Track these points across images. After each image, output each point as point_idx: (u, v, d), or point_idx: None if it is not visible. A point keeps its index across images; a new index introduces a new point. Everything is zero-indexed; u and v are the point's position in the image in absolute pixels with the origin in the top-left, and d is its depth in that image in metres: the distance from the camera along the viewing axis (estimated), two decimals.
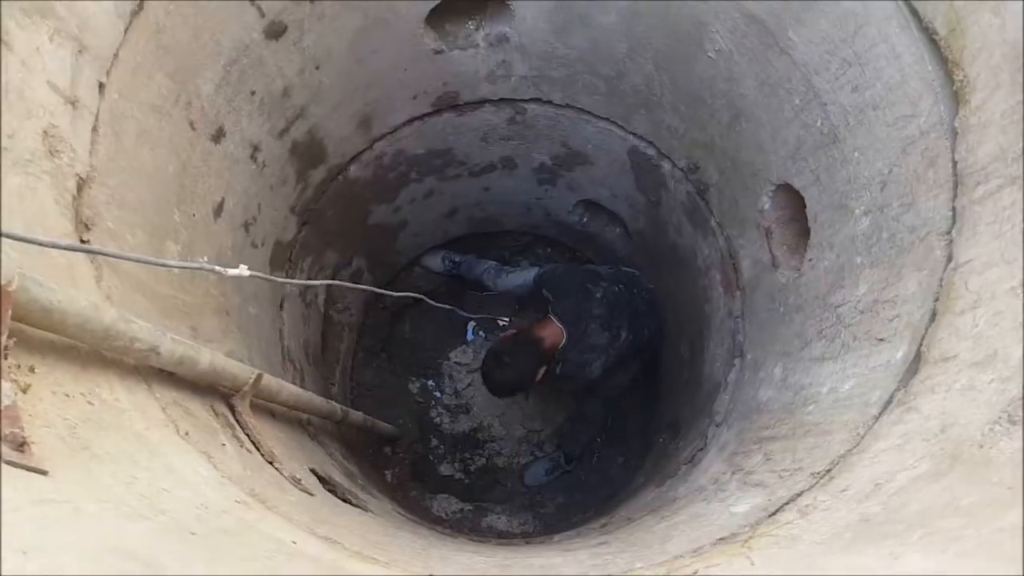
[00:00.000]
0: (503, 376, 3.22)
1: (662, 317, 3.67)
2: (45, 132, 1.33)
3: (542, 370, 3.21)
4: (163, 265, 1.39)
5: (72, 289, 1.15)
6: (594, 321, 3.23)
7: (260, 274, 1.65)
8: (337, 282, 2.40)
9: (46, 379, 1.05)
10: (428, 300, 3.07)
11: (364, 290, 2.54)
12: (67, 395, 1.07)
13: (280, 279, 1.95)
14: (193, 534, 0.93)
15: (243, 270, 1.53)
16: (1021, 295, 1.15)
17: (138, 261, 1.37)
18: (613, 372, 3.65)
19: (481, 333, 4.72)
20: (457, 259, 4.38)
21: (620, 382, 3.77)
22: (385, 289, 2.82)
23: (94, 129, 1.49)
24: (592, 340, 3.22)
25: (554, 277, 3.43)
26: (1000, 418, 1.00)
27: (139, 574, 0.70)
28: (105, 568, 0.68)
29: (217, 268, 1.50)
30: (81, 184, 1.44)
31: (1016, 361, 1.06)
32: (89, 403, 1.12)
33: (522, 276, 4.00)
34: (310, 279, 3.14)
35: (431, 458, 4.36)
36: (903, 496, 1.06)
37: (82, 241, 1.47)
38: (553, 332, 3.22)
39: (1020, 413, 0.96)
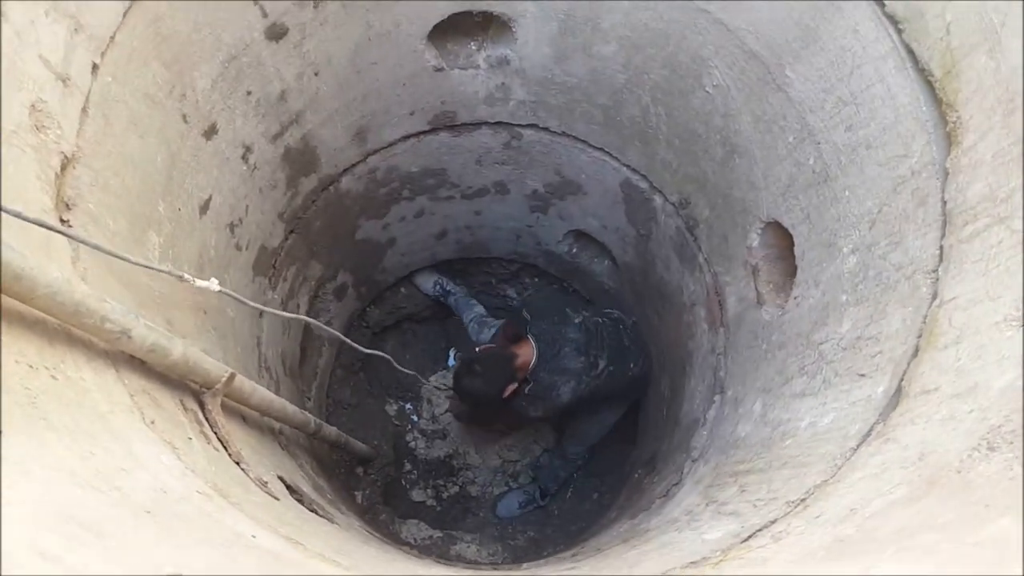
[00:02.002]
0: (471, 384, 3.25)
1: (650, 357, 3.66)
2: (33, 106, 1.31)
3: (511, 387, 3.22)
4: (123, 259, 1.34)
5: (45, 260, 1.12)
6: (568, 344, 3.23)
7: (230, 292, 1.62)
8: (306, 318, 2.35)
9: (10, 348, 1.02)
10: (393, 362, 3.00)
11: (333, 334, 2.44)
12: (31, 366, 1.04)
13: (250, 303, 1.80)
14: (148, 512, 0.89)
15: (213, 284, 1.51)
16: (1004, 329, 1.15)
17: (98, 249, 1.33)
18: (597, 409, 3.63)
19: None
20: (448, 287, 4.36)
21: (606, 420, 3.76)
22: (353, 341, 2.82)
23: (83, 110, 1.48)
24: (564, 363, 3.22)
25: (536, 299, 3.47)
26: (979, 445, 0.98)
27: (86, 538, 0.67)
28: (48, 530, 0.65)
29: (186, 276, 1.47)
30: (65, 163, 1.42)
31: (996, 392, 1.05)
32: (53, 377, 1.08)
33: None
34: (293, 288, 3.11)
35: (404, 482, 4.29)
36: (878, 519, 1.05)
37: (62, 221, 1.45)
38: (527, 351, 3.25)
39: (999, 440, 0.95)
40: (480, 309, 4.31)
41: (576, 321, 3.30)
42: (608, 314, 3.60)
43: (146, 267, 1.37)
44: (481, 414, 3.96)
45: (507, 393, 3.23)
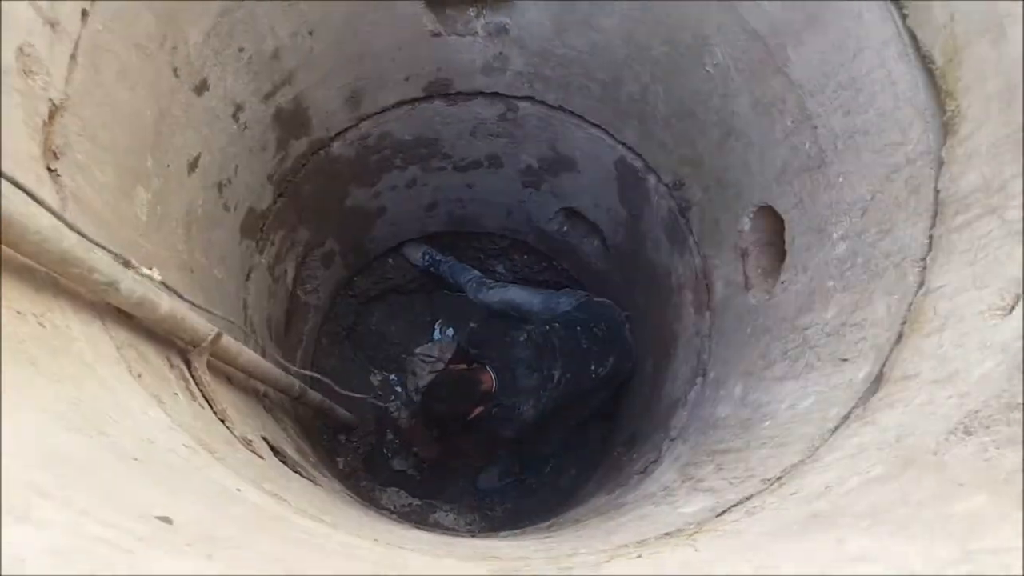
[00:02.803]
0: (436, 408, 3.36)
1: (630, 347, 3.66)
2: (20, 49, 1.29)
3: (478, 409, 3.28)
4: (78, 232, 1.27)
5: (35, 208, 1.11)
6: (520, 364, 3.27)
7: (176, 290, 1.56)
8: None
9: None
10: (336, 387, 2.94)
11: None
12: (18, 312, 1.03)
13: (200, 305, 1.72)
14: (135, 459, 0.89)
15: (155, 274, 1.47)
16: (988, 318, 1.17)
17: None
18: (567, 415, 3.66)
19: (449, 332, 4.70)
20: (438, 257, 4.36)
21: (580, 416, 3.82)
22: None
23: (72, 57, 1.45)
24: (521, 383, 3.26)
25: (477, 334, 3.52)
26: (956, 429, 1.00)
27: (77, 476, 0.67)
28: (40, 468, 0.65)
29: (133, 261, 1.42)
30: (53, 111, 1.40)
31: (976, 378, 1.07)
32: (40, 324, 1.08)
33: (500, 294, 4.07)
34: (280, 253, 3.09)
35: (385, 451, 4.30)
36: (853, 496, 1.07)
37: (50, 170, 1.43)
38: (488, 379, 3.30)
39: (976, 424, 0.97)
40: (477, 274, 4.33)
41: (521, 339, 3.31)
42: (560, 317, 3.61)
43: (99, 246, 1.31)
44: (452, 445, 3.99)
45: (472, 415, 3.29)
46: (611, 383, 3.64)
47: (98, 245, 1.28)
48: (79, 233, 1.25)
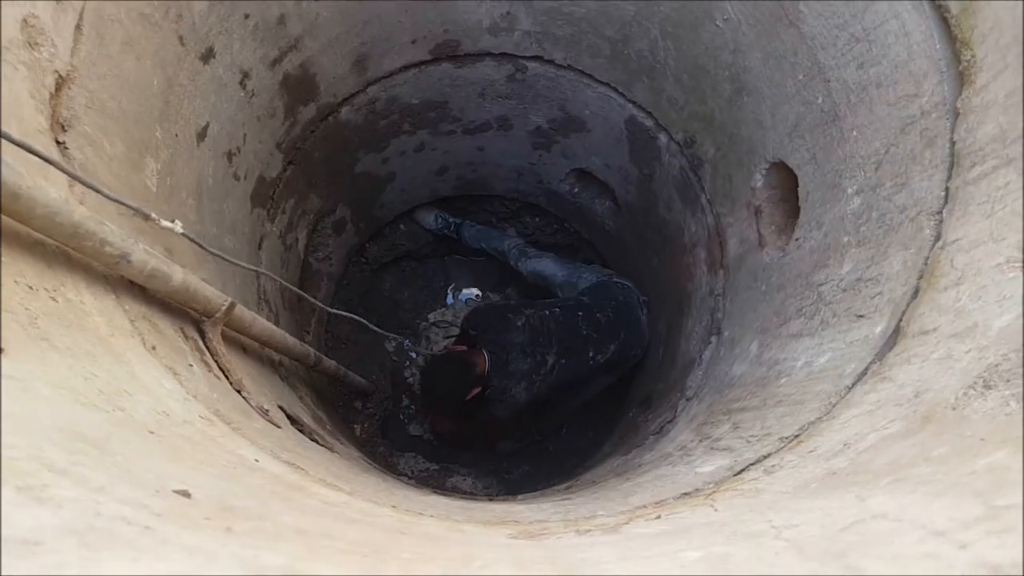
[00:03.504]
0: (429, 387, 3.49)
1: (641, 333, 3.63)
2: (24, 21, 1.28)
3: (475, 390, 3.32)
4: (95, 189, 1.29)
5: (43, 181, 1.10)
6: (515, 349, 3.28)
7: (191, 236, 1.58)
8: (266, 273, 2.29)
9: (9, 268, 1.01)
10: (372, 326, 2.99)
11: (303, 296, 2.35)
12: (31, 287, 1.03)
13: (211, 250, 1.75)
14: (151, 432, 0.90)
15: (177, 225, 1.48)
16: (1007, 271, 1.15)
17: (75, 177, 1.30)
18: (564, 398, 3.68)
19: (474, 291, 4.71)
20: (451, 219, 4.35)
21: (579, 399, 3.86)
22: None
23: (77, 27, 1.44)
24: (513, 367, 3.27)
25: (476, 315, 3.51)
26: (975, 383, 0.99)
27: (92, 452, 0.68)
28: (54, 444, 0.66)
29: (152, 215, 1.43)
30: (60, 83, 1.39)
31: (995, 331, 1.06)
32: (53, 299, 1.08)
33: (533, 264, 4.04)
34: (291, 221, 3.09)
35: (401, 417, 4.35)
36: (872, 452, 1.06)
37: (58, 143, 1.43)
38: (482, 362, 3.33)
39: (996, 378, 0.96)
40: (518, 240, 4.32)
41: (519, 324, 3.30)
42: (560, 302, 3.58)
43: (115, 200, 1.33)
44: (464, 430, 4.03)
45: (470, 396, 3.34)
46: (614, 369, 3.64)
47: (120, 202, 1.28)
48: (96, 190, 1.25)
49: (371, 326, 2.95)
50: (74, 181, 1.41)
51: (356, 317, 2.84)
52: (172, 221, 1.48)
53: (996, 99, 1.36)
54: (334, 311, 2.72)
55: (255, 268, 2.13)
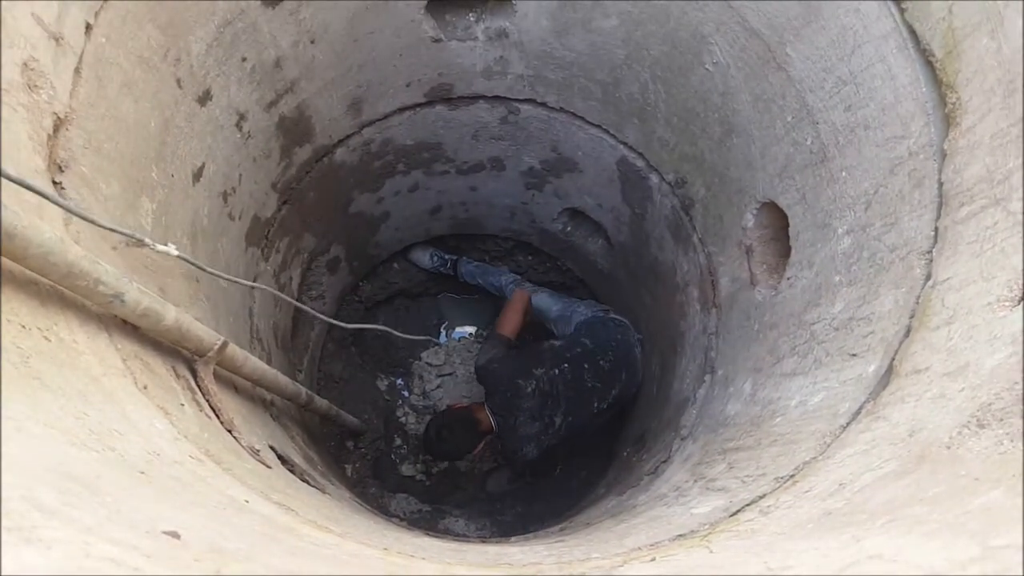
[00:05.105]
0: (439, 447, 3.50)
1: (636, 370, 3.63)
2: (25, 64, 1.29)
3: (482, 443, 3.40)
4: (89, 220, 1.29)
5: (38, 220, 1.11)
6: (523, 414, 3.30)
7: (188, 258, 1.58)
8: (265, 288, 2.32)
9: (2, 307, 1.01)
10: (395, 332, 3.05)
11: (309, 312, 2.40)
12: (23, 326, 1.03)
13: (208, 270, 1.71)
14: (142, 473, 0.89)
15: (171, 248, 1.49)
16: (997, 310, 1.16)
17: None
18: (572, 442, 3.69)
19: (468, 330, 4.71)
20: (446, 257, 4.37)
21: (582, 440, 3.86)
22: (346, 317, 2.78)
23: (76, 71, 1.46)
24: (522, 431, 3.30)
25: (487, 372, 3.48)
26: (969, 422, 0.99)
27: (82, 493, 0.67)
28: (45, 484, 0.65)
29: (146, 240, 1.43)
30: (58, 124, 1.41)
31: (987, 370, 1.06)
32: (46, 338, 1.08)
33: (539, 299, 4.02)
34: (285, 260, 3.10)
35: (393, 457, 4.30)
36: (867, 492, 1.06)
37: (55, 183, 1.43)
38: (485, 418, 3.38)
39: (989, 417, 0.96)
40: (513, 275, 4.36)
41: (528, 390, 3.30)
42: (567, 350, 3.52)
43: (110, 229, 1.33)
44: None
45: (476, 450, 3.43)
46: (613, 409, 3.65)
47: (114, 230, 1.28)
48: (90, 220, 1.25)
49: (396, 333, 2.99)
50: (70, 220, 1.41)
51: (381, 327, 2.88)
52: (166, 244, 1.48)
53: (982, 140, 1.39)
54: (353, 326, 2.75)
55: (252, 284, 2.13)
